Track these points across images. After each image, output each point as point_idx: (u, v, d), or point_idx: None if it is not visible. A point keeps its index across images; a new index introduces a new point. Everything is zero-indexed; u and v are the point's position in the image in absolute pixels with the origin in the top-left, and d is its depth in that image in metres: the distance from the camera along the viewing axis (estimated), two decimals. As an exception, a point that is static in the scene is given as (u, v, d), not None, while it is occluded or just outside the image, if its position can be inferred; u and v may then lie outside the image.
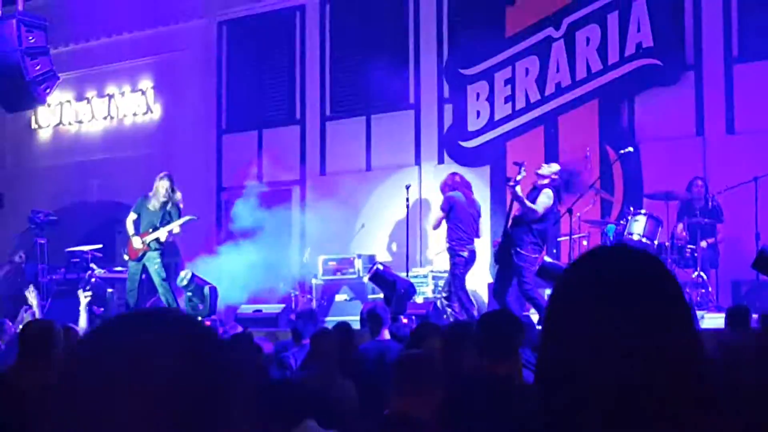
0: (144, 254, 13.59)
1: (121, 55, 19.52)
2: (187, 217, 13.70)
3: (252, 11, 18.30)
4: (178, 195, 13.80)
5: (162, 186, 13.71)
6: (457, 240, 12.70)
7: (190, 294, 13.81)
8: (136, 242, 13.62)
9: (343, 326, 8.82)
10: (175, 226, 13.53)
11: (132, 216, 13.79)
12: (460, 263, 12.67)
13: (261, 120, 18.19)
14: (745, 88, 13.85)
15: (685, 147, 13.66)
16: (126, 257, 13.95)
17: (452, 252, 12.74)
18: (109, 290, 15.31)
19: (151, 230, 13.55)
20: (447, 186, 13.12)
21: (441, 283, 14.09)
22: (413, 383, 4.85)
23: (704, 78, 14.18)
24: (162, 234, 13.49)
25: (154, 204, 13.69)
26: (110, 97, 20.02)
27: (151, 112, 19.60)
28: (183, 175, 18.06)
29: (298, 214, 16.94)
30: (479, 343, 5.30)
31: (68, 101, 20.44)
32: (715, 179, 12.88)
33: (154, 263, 13.54)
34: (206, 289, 13.80)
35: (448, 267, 13.16)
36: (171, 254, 16.04)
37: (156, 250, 13.55)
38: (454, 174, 13.40)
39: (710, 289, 12.08)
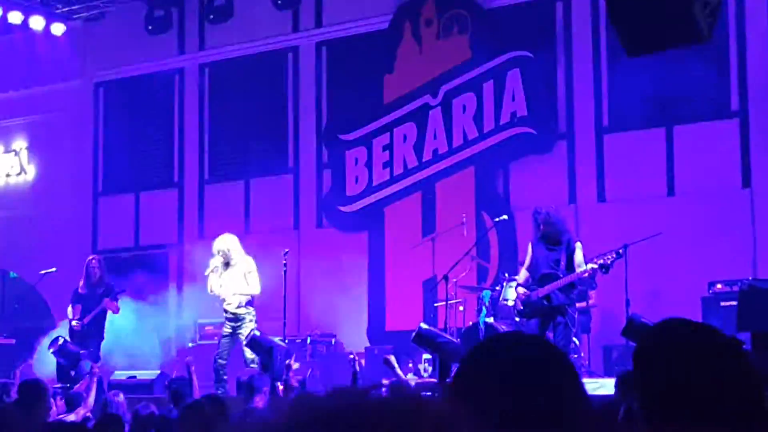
0: None
1: (-5, 115, 19.16)
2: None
3: (130, 73, 18.16)
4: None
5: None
6: None
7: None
8: None
9: (214, 397, 8.75)
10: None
11: None
12: None
13: (138, 182, 18.01)
14: (615, 156, 14.26)
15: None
16: None
17: None
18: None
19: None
20: None
21: (320, 348, 14.08)
22: None
23: (576, 147, 14.55)
24: None
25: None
26: (-18, 156, 19.60)
27: (25, 172, 19.24)
28: (56, 237, 17.77)
29: (175, 278, 16.76)
30: None
31: (-61, 161, 19.93)
32: (587, 246, 13.14)
33: None
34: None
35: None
36: (41, 317, 15.71)
37: None
38: None
39: (582, 354, 12.30)
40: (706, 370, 2.39)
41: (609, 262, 10.87)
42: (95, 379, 10.85)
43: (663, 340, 2.51)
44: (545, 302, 10.99)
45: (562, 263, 10.98)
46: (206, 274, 13.17)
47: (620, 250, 11.11)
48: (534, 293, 10.98)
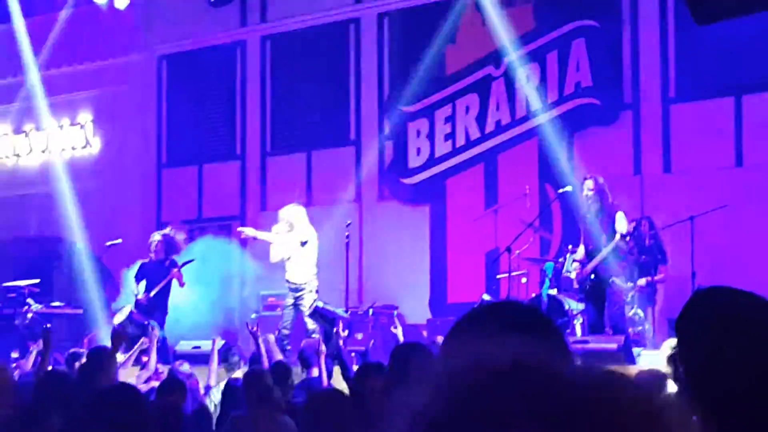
0: None
1: (60, 89, 19.33)
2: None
3: (192, 46, 18.24)
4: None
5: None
6: None
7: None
8: None
9: (281, 365, 8.81)
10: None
11: None
12: None
13: (201, 155, 18.12)
14: (682, 127, 14.05)
15: (623, 185, 13.77)
16: None
17: None
18: (47, 326, 15.08)
19: None
20: None
21: (383, 319, 14.11)
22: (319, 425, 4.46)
23: (642, 117, 14.36)
24: None
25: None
26: (49, 130, 19.83)
27: (90, 145, 19.44)
28: (121, 210, 17.95)
29: (238, 250, 16.84)
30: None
31: (5, 134, 20.21)
32: (653, 217, 13.01)
33: None
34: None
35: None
36: (108, 288, 15.89)
37: None
38: None
39: (647, 326, 12.17)
40: (749, 338, 2.28)
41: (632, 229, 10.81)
42: (155, 342, 10.89)
43: (703, 309, 2.40)
44: (593, 277, 10.92)
45: (605, 236, 10.91)
46: (263, 238, 13.19)
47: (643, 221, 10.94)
48: (585, 270, 10.93)
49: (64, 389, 6.13)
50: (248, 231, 13.27)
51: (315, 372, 9.16)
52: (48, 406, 5.64)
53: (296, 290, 12.92)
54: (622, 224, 10.93)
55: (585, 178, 11.59)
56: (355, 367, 8.59)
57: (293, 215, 13.09)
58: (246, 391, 7.64)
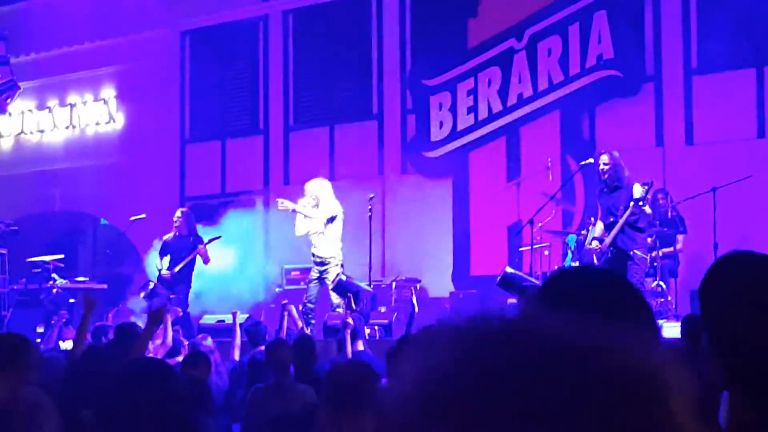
0: None
1: (84, 65, 19.45)
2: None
3: (215, 21, 18.29)
4: None
5: None
6: None
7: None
8: None
9: (305, 337, 8.92)
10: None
11: None
12: None
13: (224, 130, 18.20)
14: (704, 98, 14.02)
15: (645, 157, 13.78)
16: None
17: None
18: (71, 300, 15.24)
19: None
20: None
21: (406, 293, 14.20)
22: (343, 402, 4.39)
23: (664, 89, 14.33)
24: None
25: None
26: (72, 106, 19.95)
27: (114, 121, 19.55)
28: (145, 185, 18.07)
29: (261, 224, 16.93)
30: None
31: (30, 110, 20.35)
32: (674, 189, 13.02)
33: None
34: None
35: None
36: (132, 263, 16.03)
37: None
38: None
39: (669, 298, 12.20)
40: None
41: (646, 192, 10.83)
42: (170, 315, 10.91)
43: (727, 274, 2.29)
44: (613, 249, 10.95)
45: (622, 208, 10.93)
46: (289, 209, 13.22)
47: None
48: (603, 245, 10.97)
49: (100, 363, 6.22)
50: (287, 204, 13.26)
51: (360, 345, 9.29)
52: (84, 381, 5.73)
53: (321, 264, 12.98)
54: (637, 192, 10.96)
55: (600, 153, 11.59)
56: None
57: (319, 189, 13.11)
58: (267, 362, 7.75)
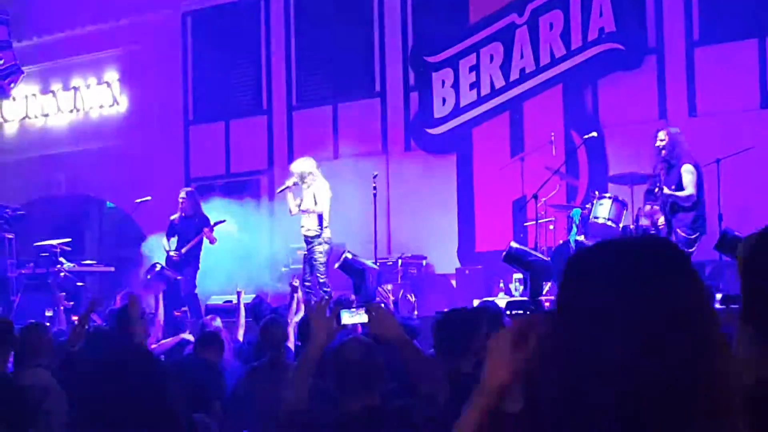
0: None
1: (86, 48, 19.46)
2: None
3: (216, 2, 18.28)
4: None
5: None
6: None
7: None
8: None
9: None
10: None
11: None
12: None
13: (228, 110, 18.21)
14: (706, 70, 13.99)
15: (648, 130, 13.76)
16: None
17: None
18: (79, 284, 15.31)
19: None
20: None
21: (412, 270, 14.26)
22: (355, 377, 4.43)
23: (666, 61, 14.31)
24: None
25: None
26: (76, 89, 19.98)
27: (118, 104, 19.58)
28: (150, 167, 18.10)
29: (266, 204, 16.96)
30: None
31: (33, 94, 20.38)
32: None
33: None
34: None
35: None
36: (138, 245, 16.06)
37: None
38: None
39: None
40: None
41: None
42: (161, 296, 10.92)
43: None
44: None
45: (674, 186, 11.26)
46: (277, 191, 13.23)
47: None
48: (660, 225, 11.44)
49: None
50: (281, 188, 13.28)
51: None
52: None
53: (308, 242, 12.96)
54: (687, 178, 11.20)
55: (658, 129, 11.79)
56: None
57: (303, 167, 13.02)
58: (261, 340, 7.77)
